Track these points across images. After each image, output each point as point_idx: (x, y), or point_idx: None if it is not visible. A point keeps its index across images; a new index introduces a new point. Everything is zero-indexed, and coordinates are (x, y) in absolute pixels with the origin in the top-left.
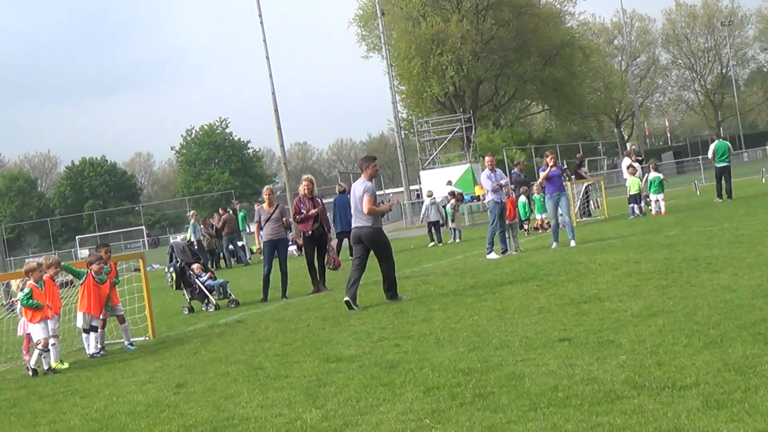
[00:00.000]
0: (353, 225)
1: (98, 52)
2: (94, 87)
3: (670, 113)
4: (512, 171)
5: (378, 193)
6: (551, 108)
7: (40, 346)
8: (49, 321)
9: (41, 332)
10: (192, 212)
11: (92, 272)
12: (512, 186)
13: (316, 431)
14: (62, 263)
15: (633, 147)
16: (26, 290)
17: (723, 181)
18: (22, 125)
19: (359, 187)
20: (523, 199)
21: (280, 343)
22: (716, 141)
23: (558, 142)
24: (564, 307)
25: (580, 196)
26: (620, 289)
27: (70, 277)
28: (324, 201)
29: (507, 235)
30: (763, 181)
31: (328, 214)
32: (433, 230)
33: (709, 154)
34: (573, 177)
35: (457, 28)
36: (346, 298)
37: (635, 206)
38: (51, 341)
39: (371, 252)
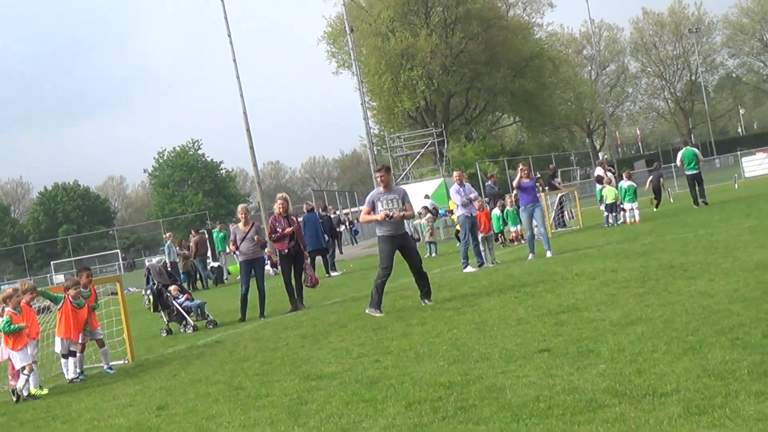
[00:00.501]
0: None
1: (66, 75)
2: (63, 111)
3: (641, 121)
4: (486, 184)
5: (352, 210)
6: (523, 120)
7: (25, 371)
8: (27, 346)
9: (25, 358)
10: (168, 234)
11: (70, 297)
12: (487, 199)
13: None
14: (39, 288)
15: (605, 156)
16: (5, 318)
17: (696, 188)
18: None
19: None
20: (496, 211)
21: (259, 362)
22: (683, 149)
23: (530, 154)
24: (542, 317)
25: (555, 207)
26: (598, 299)
27: (47, 302)
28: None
29: (483, 248)
30: (736, 186)
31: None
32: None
33: (677, 162)
34: (547, 188)
35: (426, 43)
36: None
37: (610, 215)
38: None
39: (407, 256)
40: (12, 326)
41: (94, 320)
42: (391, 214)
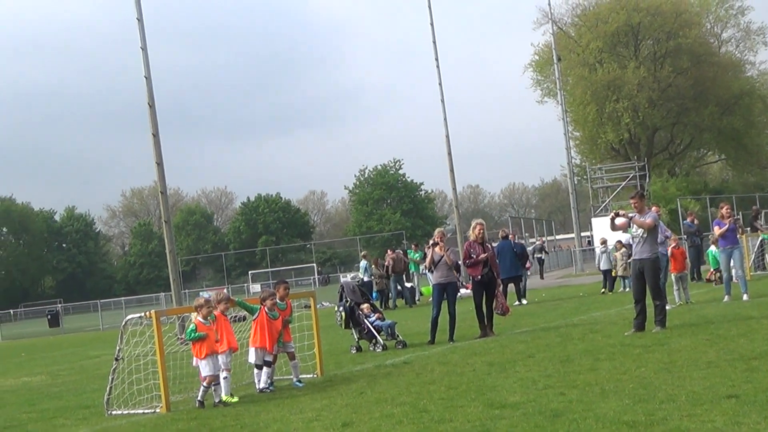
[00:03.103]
0: None
1: (275, 91)
2: (270, 125)
3: None
4: (684, 222)
5: (549, 238)
6: (728, 158)
7: (205, 383)
8: (220, 356)
9: (207, 368)
10: (364, 253)
11: (265, 308)
12: (684, 237)
13: None
14: (236, 299)
15: None
16: (191, 326)
17: None
18: (200, 161)
19: None
20: (713, 248)
21: (445, 386)
22: None
23: (734, 193)
24: (733, 362)
25: (755, 250)
26: None
27: (243, 312)
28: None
29: (677, 287)
30: None
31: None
32: (606, 278)
33: None
34: (748, 230)
35: (633, 75)
36: None
37: None
38: (223, 374)
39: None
40: (195, 334)
41: (288, 333)
42: (621, 213)
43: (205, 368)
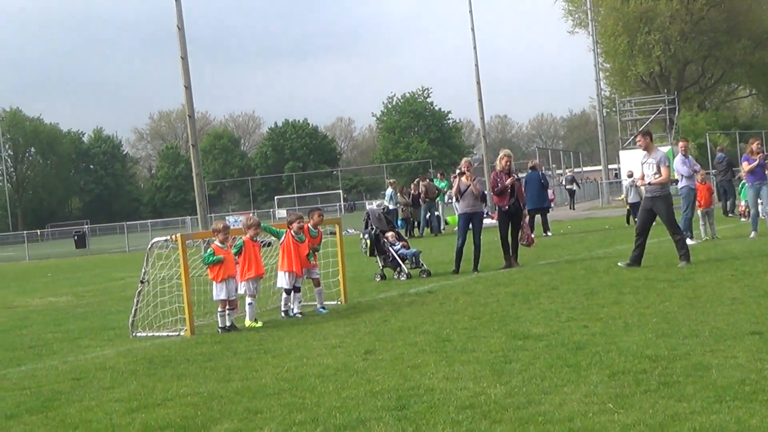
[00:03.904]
0: None
1: (306, 16)
2: (299, 51)
3: None
4: (718, 155)
5: (576, 170)
6: (759, 93)
7: (219, 308)
8: (247, 282)
9: (222, 293)
10: (391, 180)
11: (291, 231)
12: (713, 172)
13: (500, 407)
14: (262, 224)
15: None
16: (209, 250)
17: None
18: (229, 86)
19: None
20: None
21: (468, 316)
22: None
23: (764, 128)
24: (758, 299)
25: None
26: None
27: (270, 238)
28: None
29: (703, 222)
30: None
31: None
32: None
33: None
34: None
35: (666, 7)
36: None
37: None
38: (248, 300)
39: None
40: (213, 258)
41: (314, 259)
42: (646, 181)
43: (220, 292)
